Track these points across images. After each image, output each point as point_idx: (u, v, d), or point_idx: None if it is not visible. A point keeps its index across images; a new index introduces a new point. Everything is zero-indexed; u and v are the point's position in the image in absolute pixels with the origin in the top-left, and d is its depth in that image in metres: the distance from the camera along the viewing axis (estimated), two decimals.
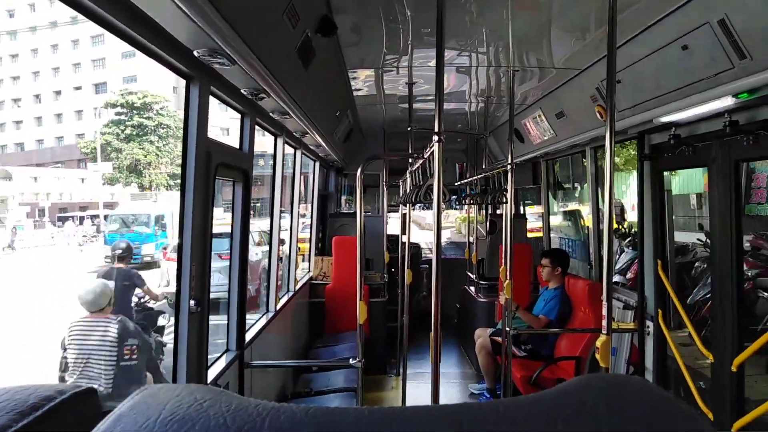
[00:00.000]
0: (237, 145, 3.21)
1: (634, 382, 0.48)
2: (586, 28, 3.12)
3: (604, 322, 2.27)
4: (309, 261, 6.60)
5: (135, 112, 37.62)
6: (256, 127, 3.52)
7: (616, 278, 6.68)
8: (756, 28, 2.19)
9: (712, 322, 2.96)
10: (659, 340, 3.81)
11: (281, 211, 4.44)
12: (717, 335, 2.83)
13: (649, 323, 3.97)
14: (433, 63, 3.42)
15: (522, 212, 7.62)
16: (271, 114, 3.48)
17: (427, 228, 24.72)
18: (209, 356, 2.85)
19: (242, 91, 2.78)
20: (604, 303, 2.27)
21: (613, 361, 4.24)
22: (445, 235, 15.37)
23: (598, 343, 2.28)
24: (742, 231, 2.64)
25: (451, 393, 5.47)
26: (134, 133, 37.63)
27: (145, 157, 37.61)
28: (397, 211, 6.27)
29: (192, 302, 2.48)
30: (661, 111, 3.02)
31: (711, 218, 2.80)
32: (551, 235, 6.67)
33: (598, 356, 2.27)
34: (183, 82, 2.37)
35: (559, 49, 3.54)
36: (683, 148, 3.16)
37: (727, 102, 2.56)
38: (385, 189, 6.81)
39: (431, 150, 2.41)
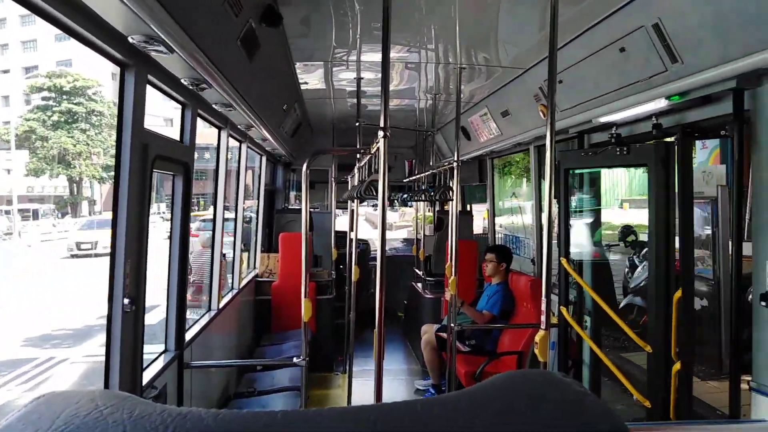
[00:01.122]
0: (178, 137, 3.09)
1: (552, 378, 0.47)
2: (530, 29, 3.18)
3: (543, 318, 2.32)
4: (255, 258, 6.47)
5: (64, 97, 34.16)
6: (200, 119, 3.41)
7: (636, 300, 6.19)
8: (687, 32, 2.29)
9: (648, 315, 3.11)
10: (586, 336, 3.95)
11: (225, 207, 4.32)
12: (654, 326, 2.96)
13: (587, 318, 4.11)
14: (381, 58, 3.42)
15: (468, 209, 7.73)
16: (214, 106, 3.37)
17: None
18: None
19: (182, 81, 2.67)
20: (543, 299, 2.32)
21: (554, 355, 4.36)
22: (402, 234, 15.44)
23: (537, 338, 2.33)
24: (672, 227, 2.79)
25: (397, 389, 5.49)
26: (63, 120, 34.17)
27: (75, 146, 34.32)
28: (347, 208, 6.24)
29: (126, 300, 2.37)
30: (600, 111, 3.13)
31: (649, 215, 2.95)
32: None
33: (536, 351, 2.32)
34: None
35: (504, 48, 3.60)
36: (601, 149, 3.31)
37: (661, 104, 2.66)
38: (333, 185, 6.77)
39: (377, 146, 2.40)
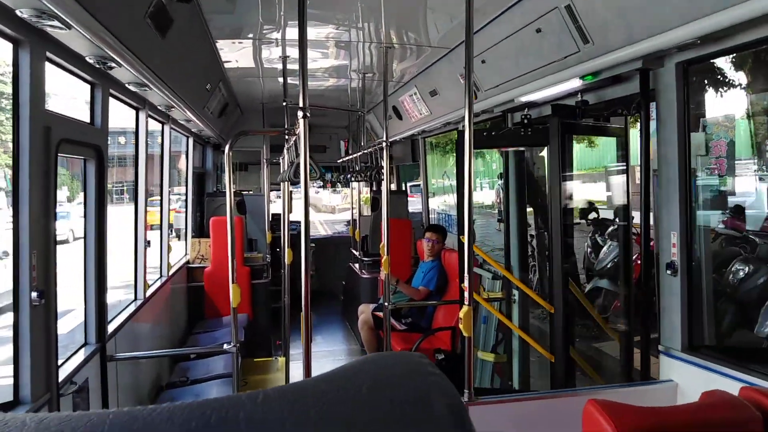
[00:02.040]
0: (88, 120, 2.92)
1: (408, 360, 0.47)
2: (455, 8, 3.19)
3: (466, 294, 2.38)
4: (185, 243, 6.27)
5: None
6: (114, 100, 3.23)
7: (602, 283, 5.61)
8: (596, 14, 2.36)
9: (549, 282, 3.31)
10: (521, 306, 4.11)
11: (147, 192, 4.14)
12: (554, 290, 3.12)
13: (515, 291, 4.26)
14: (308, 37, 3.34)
15: (404, 188, 7.79)
16: (128, 86, 3.20)
17: (324, 210, 24.46)
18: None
19: (87, 59, 2.51)
20: (466, 275, 2.37)
21: (485, 329, 4.50)
22: (346, 216, 15.38)
23: (461, 314, 2.39)
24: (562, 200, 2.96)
25: None
26: None
27: None
28: (280, 190, 6.13)
29: (34, 294, 2.24)
30: (520, 91, 3.20)
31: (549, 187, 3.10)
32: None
33: (461, 326, 2.37)
34: None
35: (429, 28, 3.60)
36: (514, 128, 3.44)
37: (575, 83, 2.75)
38: (266, 166, 6.63)
39: (298, 127, 2.35)
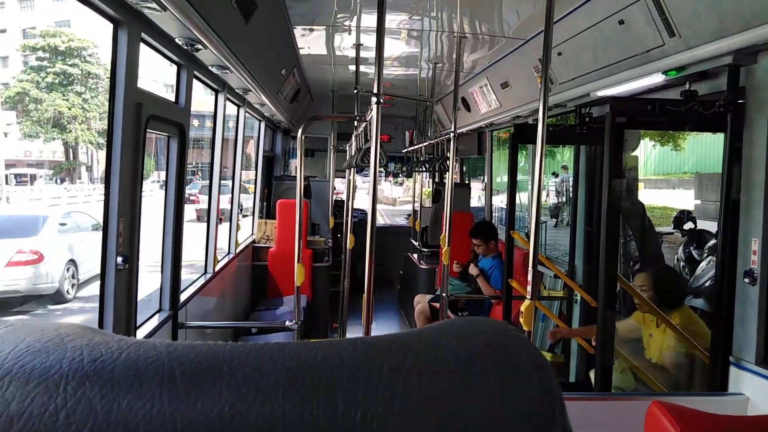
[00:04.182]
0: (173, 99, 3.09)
1: (493, 323, 0.50)
2: None
3: (529, 288, 2.36)
4: (253, 224, 6.51)
5: (59, 57, 32.49)
6: (197, 81, 3.39)
7: (697, 303, 4.90)
8: (685, 6, 2.26)
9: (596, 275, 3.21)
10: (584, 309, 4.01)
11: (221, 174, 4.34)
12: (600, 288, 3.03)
13: (576, 294, 4.15)
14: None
15: (467, 182, 7.73)
16: (210, 68, 3.36)
17: (385, 202, 24.55)
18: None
19: (177, 40, 2.66)
20: (530, 270, 2.35)
21: (542, 327, 4.43)
22: (407, 208, 15.47)
23: (522, 308, 2.38)
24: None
25: None
26: (57, 81, 32.49)
27: (70, 110, 32.73)
28: (344, 177, 6.25)
29: (119, 259, 2.41)
30: (597, 85, 3.11)
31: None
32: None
33: (521, 320, 2.36)
34: None
35: (506, 18, 3.55)
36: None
37: (657, 79, 2.65)
38: (332, 153, 6.76)
39: (371, 113, 2.40)
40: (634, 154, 4.08)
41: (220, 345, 0.46)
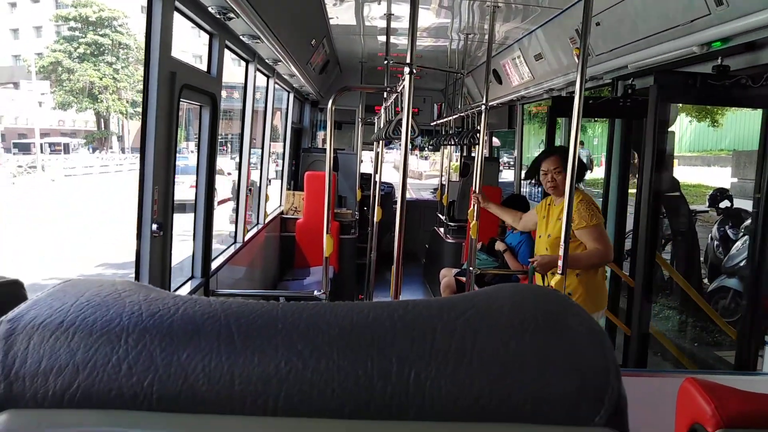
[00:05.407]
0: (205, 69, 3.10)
1: (545, 289, 0.49)
2: None
3: (560, 263, 2.34)
4: (280, 195, 6.57)
5: (90, 27, 32.96)
6: (228, 51, 3.40)
7: (731, 283, 5.00)
8: None
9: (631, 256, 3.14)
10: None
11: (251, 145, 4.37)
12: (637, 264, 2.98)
13: (607, 268, 4.10)
14: None
15: (496, 155, 7.64)
16: (241, 38, 3.35)
17: (411, 176, 24.41)
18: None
19: (210, 9, 2.66)
20: (561, 245, 2.33)
21: None
22: (433, 182, 15.38)
23: (552, 282, 2.36)
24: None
25: None
26: (88, 51, 33.02)
27: (101, 80, 33.22)
28: (373, 150, 6.23)
29: (155, 226, 2.47)
30: (635, 57, 3.00)
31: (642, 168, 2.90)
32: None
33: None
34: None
35: None
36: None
37: (701, 50, 2.54)
38: (360, 125, 6.74)
39: (403, 84, 2.37)
40: (670, 129, 3.95)
41: (272, 304, 0.47)
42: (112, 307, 0.45)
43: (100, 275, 9.15)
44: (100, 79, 33.45)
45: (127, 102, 34.99)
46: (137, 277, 2.52)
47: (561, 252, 2.35)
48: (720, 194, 6.42)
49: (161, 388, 0.40)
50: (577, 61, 3.63)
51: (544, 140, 4.40)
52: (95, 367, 0.41)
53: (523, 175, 6.82)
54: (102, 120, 36.37)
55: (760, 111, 2.46)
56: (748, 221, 5.60)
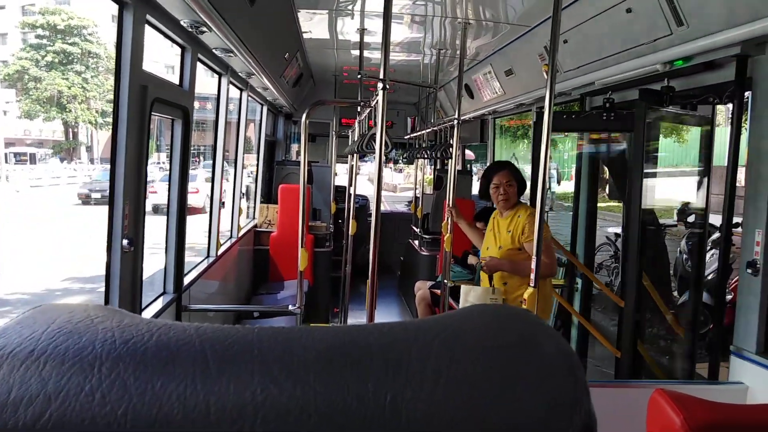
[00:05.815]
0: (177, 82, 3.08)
1: (516, 309, 0.51)
2: None
3: (532, 276, 2.38)
4: (254, 209, 6.51)
5: (58, 36, 32.12)
6: (201, 65, 3.38)
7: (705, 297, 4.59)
8: None
9: (621, 275, 3.23)
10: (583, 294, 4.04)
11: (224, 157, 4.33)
12: (627, 285, 3.05)
13: (579, 280, 4.18)
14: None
15: (469, 168, 7.73)
16: (214, 51, 3.34)
17: (385, 188, 24.57)
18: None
19: (182, 22, 2.64)
20: (534, 258, 2.37)
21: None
22: (408, 195, 15.44)
23: (525, 295, 2.40)
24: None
25: None
26: (57, 60, 32.22)
27: (70, 89, 32.48)
28: (346, 162, 6.24)
29: (125, 241, 2.42)
30: (602, 74, 3.09)
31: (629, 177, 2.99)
32: None
33: (524, 307, 2.38)
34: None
35: (511, 4, 3.53)
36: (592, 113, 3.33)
37: (664, 69, 2.64)
38: (334, 138, 6.74)
39: (377, 98, 2.39)
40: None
41: (248, 328, 0.47)
42: (85, 334, 0.44)
43: (66, 289, 8.91)
44: (69, 88, 32.65)
45: (97, 112, 34.17)
46: (107, 293, 2.47)
47: (534, 265, 2.39)
48: (686, 208, 6.39)
49: (135, 418, 0.40)
50: (546, 77, 3.73)
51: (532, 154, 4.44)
52: (67, 397, 0.41)
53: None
54: (70, 130, 35.50)
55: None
56: (716, 234, 5.69)
